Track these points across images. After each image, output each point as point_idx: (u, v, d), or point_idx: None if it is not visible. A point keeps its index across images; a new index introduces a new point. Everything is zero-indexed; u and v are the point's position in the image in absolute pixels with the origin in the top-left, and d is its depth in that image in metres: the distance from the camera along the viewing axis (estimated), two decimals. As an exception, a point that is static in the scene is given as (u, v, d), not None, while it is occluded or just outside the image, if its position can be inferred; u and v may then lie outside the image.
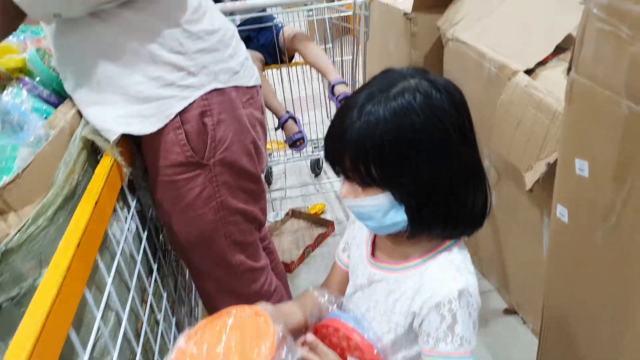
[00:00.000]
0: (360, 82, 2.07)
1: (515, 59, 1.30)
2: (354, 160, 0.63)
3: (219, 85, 0.92)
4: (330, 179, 2.65)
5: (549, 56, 1.26)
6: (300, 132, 2.02)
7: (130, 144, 0.93)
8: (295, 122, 2.03)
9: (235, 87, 0.96)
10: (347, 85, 1.89)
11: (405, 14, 1.82)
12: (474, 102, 0.67)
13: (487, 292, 1.68)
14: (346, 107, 0.65)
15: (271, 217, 2.30)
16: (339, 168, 0.67)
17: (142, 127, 0.87)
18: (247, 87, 1.00)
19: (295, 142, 2.03)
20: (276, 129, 2.08)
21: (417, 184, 0.63)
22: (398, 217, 0.66)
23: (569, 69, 0.85)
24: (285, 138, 2.07)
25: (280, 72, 2.17)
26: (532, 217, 1.34)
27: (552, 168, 1.11)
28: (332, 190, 2.55)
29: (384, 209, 0.66)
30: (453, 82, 0.66)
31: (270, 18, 2.02)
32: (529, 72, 1.26)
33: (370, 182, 0.64)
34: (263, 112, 1.09)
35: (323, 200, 2.43)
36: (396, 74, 0.65)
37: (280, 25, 2.01)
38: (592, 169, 0.84)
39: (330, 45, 2.14)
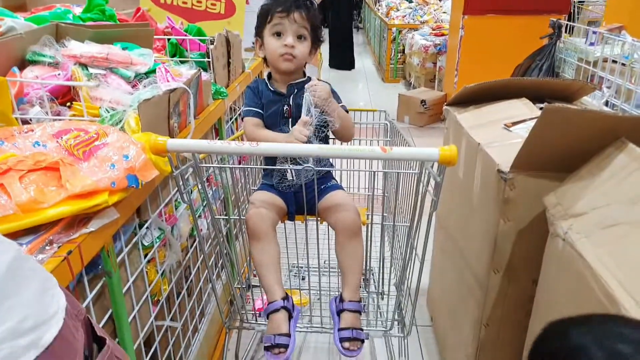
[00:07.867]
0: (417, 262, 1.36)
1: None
2: None
3: None
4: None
5: None
6: (288, 334, 1.30)
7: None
8: (290, 317, 1.33)
9: None
10: (359, 316, 1.38)
11: (499, 171, 1.31)
12: None
13: None
14: None
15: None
16: None
17: None
18: None
19: (274, 348, 1.29)
20: (261, 315, 1.55)
21: None
22: None
23: None
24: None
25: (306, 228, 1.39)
26: None
27: None
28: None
29: None
30: None
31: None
32: None
33: None
34: None
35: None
36: None
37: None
38: None
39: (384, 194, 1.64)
